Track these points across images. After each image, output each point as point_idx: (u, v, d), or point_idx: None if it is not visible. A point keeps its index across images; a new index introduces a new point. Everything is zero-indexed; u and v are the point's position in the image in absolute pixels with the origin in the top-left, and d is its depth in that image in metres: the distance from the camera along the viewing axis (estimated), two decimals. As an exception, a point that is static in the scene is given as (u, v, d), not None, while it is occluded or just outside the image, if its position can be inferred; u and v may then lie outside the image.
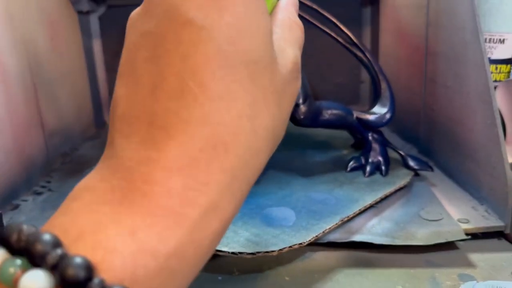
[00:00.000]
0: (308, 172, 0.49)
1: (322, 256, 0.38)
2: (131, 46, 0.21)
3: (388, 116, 0.49)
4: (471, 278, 0.34)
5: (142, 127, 0.19)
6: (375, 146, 0.49)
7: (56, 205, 0.52)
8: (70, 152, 0.63)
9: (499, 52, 0.53)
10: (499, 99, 0.50)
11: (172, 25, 0.19)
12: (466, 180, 0.46)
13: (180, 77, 0.19)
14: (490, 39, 0.53)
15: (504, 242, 0.39)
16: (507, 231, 0.39)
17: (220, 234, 0.20)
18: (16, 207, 0.46)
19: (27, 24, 0.54)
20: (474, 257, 0.37)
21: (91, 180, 0.20)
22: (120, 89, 0.21)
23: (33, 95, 0.54)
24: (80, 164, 0.58)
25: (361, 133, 0.50)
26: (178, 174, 0.18)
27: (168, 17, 0.20)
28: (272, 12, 0.26)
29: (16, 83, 0.50)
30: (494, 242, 0.39)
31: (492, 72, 0.54)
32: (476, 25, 0.40)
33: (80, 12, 0.71)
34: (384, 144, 0.50)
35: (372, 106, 0.51)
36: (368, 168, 0.48)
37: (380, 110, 0.50)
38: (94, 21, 0.74)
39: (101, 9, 0.74)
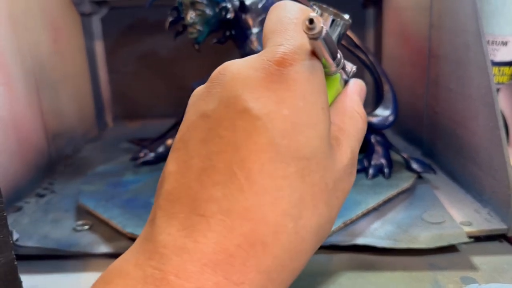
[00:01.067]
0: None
1: (324, 259, 0.37)
2: (189, 124, 0.21)
3: (391, 118, 0.49)
4: (473, 281, 0.34)
5: (184, 211, 0.19)
6: (378, 148, 0.49)
7: (59, 207, 0.52)
8: (73, 154, 0.63)
9: (502, 55, 0.53)
10: (502, 101, 0.50)
11: (230, 112, 0.19)
12: (469, 183, 0.46)
13: (229, 165, 0.19)
14: (492, 41, 0.53)
15: (506, 245, 0.39)
16: (510, 234, 0.39)
17: None
18: (19, 209, 0.46)
19: (30, 27, 0.54)
20: (477, 260, 0.37)
21: (125, 263, 0.19)
22: (171, 164, 0.20)
23: (36, 97, 0.54)
24: (83, 166, 0.58)
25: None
26: (212, 270, 0.18)
27: (226, 103, 0.20)
28: (335, 99, 0.25)
29: (19, 86, 0.50)
30: (497, 244, 0.39)
31: (495, 75, 0.54)
32: (478, 27, 0.40)
33: (82, 14, 0.71)
34: (387, 147, 0.50)
35: (375, 108, 0.51)
36: (371, 171, 0.48)
37: (382, 113, 0.50)
38: (96, 23, 0.74)
39: (103, 11, 0.74)
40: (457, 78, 0.46)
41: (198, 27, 0.44)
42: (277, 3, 0.24)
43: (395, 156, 0.50)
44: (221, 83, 0.20)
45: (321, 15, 0.25)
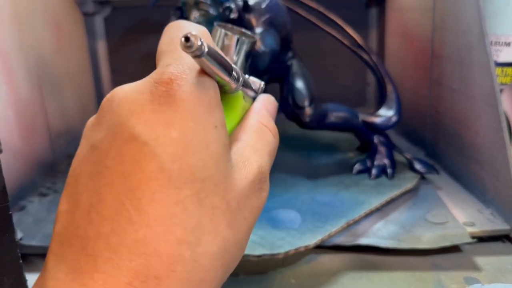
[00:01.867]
0: (313, 174, 0.49)
1: (327, 259, 0.38)
2: (79, 158, 0.20)
3: (394, 119, 0.49)
4: (476, 281, 0.34)
5: (73, 253, 0.18)
6: (381, 149, 0.49)
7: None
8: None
9: (505, 55, 0.53)
10: (506, 102, 0.50)
11: (117, 140, 0.18)
12: (472, 183, 0.46)
13: (117, 197, 0.18)
14: (496, 42, 0.53)
15: (509, 245, 0.39)
16: (513, 235, 0.39)
17: None
18: (23, 208, 0.46)
19: (34, 26, 0.54)
20: (480, 260, 0.37)
21: None
22: (61, 203, 0.19)
23: (39, 96, 0.54)
24: (86, 165, 0.58)
25: (367, 136, 0.50)
26: None
27: (113, 132, 0.19)
28: (243, 117, 0.24)
29: (22, 85, 0.50)
30: (500, 245, 0.39)
31: (498, 75, 0.54)
32: (481, 28, 0.40)
33: (85, 14, 0.71)
34: (390, 147, 0.50)
35: (378, 108, 0.51)
36: (374, 171, 0.48)
37: (386, 113, 0.50)
38: (99, 22, 0.74)
39: (106, 11, 0.74)
40: (460, 79, 0.46)
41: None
42: (171, 23, 0.23)
43: (398, 157, 0.50)
44: (109, 111, 0.19)
45: (226, 34, 0.25)
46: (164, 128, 0.18)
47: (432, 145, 0.56)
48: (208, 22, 0.42)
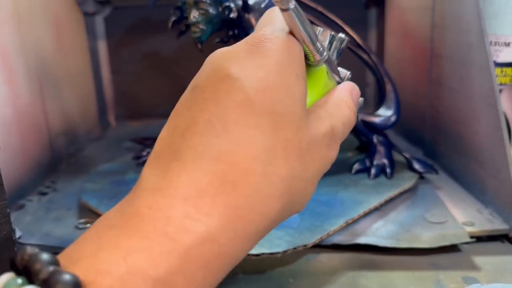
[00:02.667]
0: (312, 174, 0.49)
1: (326, 258, 0.38)
2: (182, 98, 0.23)
3: (393, 118, 0.49)
4: (475, 281, 0.34)
5: (165, 161, 0.21)
6: (380, 148, 0.49)
7: (61, 205, 0.53)
8: (75, 152, 0.63)
9: (505, 55, 0.53)
10: (505, 102, 0.50)
11: (214, 78, 0.22)
12: (471, 183, 0.46)
13: (209, 118, 0.21)
14: (495, 42, 0.53)
15: (508, 245, 0.39)
16: (512, 234, 0.39)
17: (217, 271, 0.20)
18: (22, 207, 0.46)
19: (34, 26, 0.54)
20: (479, 260, 0.37)
21: (110, 210, 0.21)
22: (162, 132, 0.23)
23: (39, 96, 0.54)
24: (85, 164, 0.58)
25: (366, 136, 0.50)
26: (182, 202, 0.19)
27: (213, 74, 0.22)
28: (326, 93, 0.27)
29: (23, 84, 0.50)
30: (499, 245, 0.39)
31: (497, 75, 0.54)
32: (481, 27, 0.40)
33: (85, 14, 0.71)
34: (389, 147, 0.50)
35: (377, 108, 0.51)
36: (373, 171, 0.48)
37: (385, 113, 0.50)
38: (99, 22, 0.75)
39: (107, 11, 0.74)
40: (459, 78, 0.46)
41: (201, 26, 0.44)
42: (270, 9, 0.27)
43: (397, 156, 0.51)
44: (211, 61, 0.23)
45: (320, 31, 0.27)
46: (253, 68, 0.22)
47: (431, 145, 0.56)
48: (208, 22, 0.42)
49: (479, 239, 0.39)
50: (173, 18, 0.48)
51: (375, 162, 0.49)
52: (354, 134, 0.55)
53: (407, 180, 0.47)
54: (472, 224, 0.40)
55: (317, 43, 0.25)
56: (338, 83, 0.28)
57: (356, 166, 0.49)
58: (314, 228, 0.38)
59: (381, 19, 0.71)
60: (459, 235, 0.38)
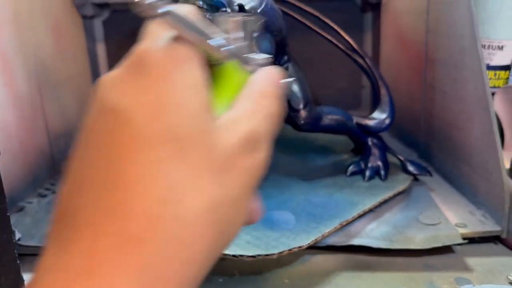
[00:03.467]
0: (308, 176, 0.50)
1: (321, 259, 0.38)
2: (77, 144, 0.20)
3: (387, 121, 0.50)
4: (468, 282, 0.35)
5: (60, 227, 0.18)
6: (375, 151, 0.50)
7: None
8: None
9: (498, 59, 0.54)
10: (498, 105, 0.50)
11: (100, 116, 0.19)
12: (463, 185, 0.47)
13: (100, 169, 0.18)
14: (489, 45, 0.54)
15: (500, 247, 0.40)
16: (504, 236, 0.40)
17: None
18: (22, 209, 0.47)
19: (33, 28, 0.54)
20: (471, 261, 0.37)
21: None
22: (62, 186, 0.20)
23: (39, 98, 0.54)
24: (84, 167, 0.58)
25: (361, 138, 0.51)
26: (82, 277, 0.16)
27: (97, 110, 0.19)
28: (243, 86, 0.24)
29: (22, 86, 0.50)
30: (491, 246, 0.40)
31: (490, 79, 0.54)
32: (474, 32, 0.41)
33: (84, 17, 0.71)
34: (384, 149, 0.51)
35: (372, 111, 0.51)
36: (367, 173, 0.49)
37: (379, 116, 0.50)
38: (98, 25, 0.75)
39: (105, 14, 0.75)
40: (452, 82, 0.47)
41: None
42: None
43: (391, 158, 0.51)
44: (96, 94, 0.20)
45: (225, 17, 0.25)
46: (138, 94, 0.19)
47: (425, 147, 0.56)
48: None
49: (471, 240, 0.40)
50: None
51: (369, 164, 0.49)
52: (349, 136, 0.55)
53: (401, 182, 0.47)
54: (464, 226, 0.41)
55: (218, 38, 0.22)
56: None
57: (351, 168, 0.50)
58: (309, 230, 0.39)
59: (377, 23, 0.72)
60: (452, 236, 0.38)
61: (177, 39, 0.20)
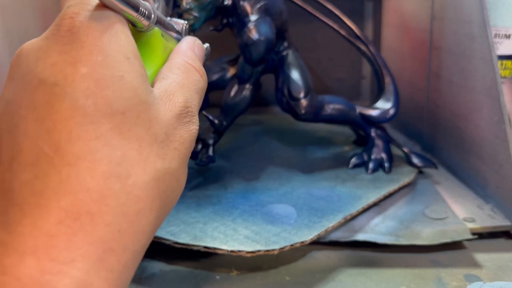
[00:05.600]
0: (309, 168, 0.48)
1: (324, 255, 0.36)
2: (8, 116, 0.19)
3: (392, 111, 0.48)
4: (477, 278, 0.33)
5: (2, 204, 0.17)
6: (378, 142, 0.48)
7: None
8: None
9: (505, 48, 0.52)
10: (505, 96, 0.49)
11: (28, 89, 0.18)
12: (471, 178, 0.45)
13: (35, 143, 0.17)
14: (496, 34, 0.52)
15: (510, 242, 0.38)
16: (514, 231, 0.38)
17: None
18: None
19: (20, 14, 0.52)
20: (480, 257, 0.36)
21: None
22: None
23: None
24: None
25: (363, 129, 0.49)
26: (33, 256, 0.16)
27: (23, 82, 0.18)
28: (168, 57, 0.25)
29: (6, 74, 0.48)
30: (501, 241, 0.38)
31: (497, 68, 0.53)
32: (484, 18, 0.39)
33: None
34: (387, 141, 0.49)
35: (376, 101, 0.50)
36: (371, 165, 0.47)
37: (383, 105, 0.49)
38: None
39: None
40: (460, 71, 0.45)
41: (194, 13, 0.43)
42: None
43: (395, 151, 0.49)
44: (17, 64, 0.19)
45: None
46: (72, 66, 0.18)
47: (429, 139, 0.55)
48: (201, 9, 0.40)
49: (480, 235, 0.38)
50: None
51: (373, 156, 0.47)
52: (352, 127, 0.54)
53: (406, 175, 0.46)
54: (473, 220, 0.39)
55: (140, 7, 0.22)
56: (178, 39, 0.26)
57: (354, 161, 0.48)
58: (311, 225, 0.37)
59: (378, 10, 0.70)
60: (461, 231, 0.37)
61: (102, 6, 0.20)
